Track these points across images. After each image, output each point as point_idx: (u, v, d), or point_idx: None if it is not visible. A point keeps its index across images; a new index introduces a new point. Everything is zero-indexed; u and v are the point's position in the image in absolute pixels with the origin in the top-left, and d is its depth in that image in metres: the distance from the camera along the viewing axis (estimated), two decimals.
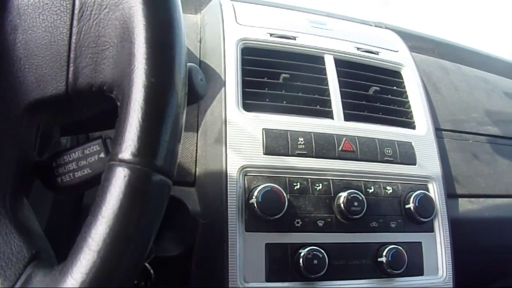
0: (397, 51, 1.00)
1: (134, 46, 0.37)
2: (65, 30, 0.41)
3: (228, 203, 0.72)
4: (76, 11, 0.41)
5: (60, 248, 0.43)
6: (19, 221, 0.40)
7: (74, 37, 0.41)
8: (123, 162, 0.35)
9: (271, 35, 0.87)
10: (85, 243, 0.34)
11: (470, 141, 1.06)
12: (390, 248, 0.78)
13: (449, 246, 0.85)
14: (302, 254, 0.72)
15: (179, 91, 0.37)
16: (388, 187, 0.82)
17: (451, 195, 0.94)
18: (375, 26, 1.14)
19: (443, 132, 1.02)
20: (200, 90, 0.58)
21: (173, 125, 0.37)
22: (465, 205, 0.97)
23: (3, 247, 0.38)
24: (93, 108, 0.50)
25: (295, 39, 0.89)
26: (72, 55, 0.41)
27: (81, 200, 0.74)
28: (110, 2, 0.40)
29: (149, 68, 0.36)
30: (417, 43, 1.20)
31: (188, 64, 0.52)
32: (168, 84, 0.37)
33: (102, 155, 0.45)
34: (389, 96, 0.93)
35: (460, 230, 0.90)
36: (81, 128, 0.63)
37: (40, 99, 0.41)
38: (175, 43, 0.38)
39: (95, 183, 0.44)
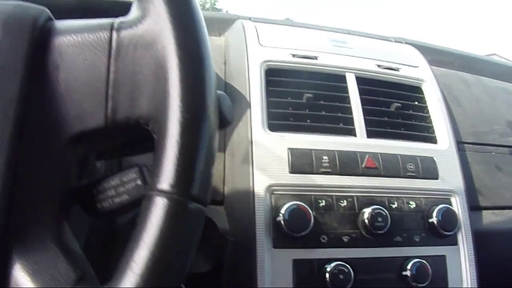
0: (417, 67, 1.02)
1: (168, 84, 0.40)
2: (103, 68, 0.44)
3: (256, 221, 0.74)
4: (113, 51, 0.44)
5: (96, 267, 0.46)
6: (63, 244, 0.43)
7: (112, 75, 0.43)
8: (162, 192, 0.38)
9: (293, 55, 0.90)
10: (128, 267, 0.37)
11: (493, 153, 1.06)
12: (414, 262, 0.79)
13: (473, 258, 0.86)
14: (328, 269, 0.74)
15: (210, 124, 0.41)
16: (411, 202, 0.84)
17: (474, 208, 0.95)
18: (395, 41, 1.15)
19: (465, 145, 1.03)
20: (228, 116, 0.61)
21: (206, 157, 0.40)
22: (489, 217, 0.98)
23: (52, 270, 0.40)
24: (129, 138, 0.53)
25: (317, 59, 0.91)
26: (110, 92, 0.43)
27: (114, 220, 0.78)
28: (144, 42, 0.43)
29: (183, 105, 0.39)
30: (437, 57, 1.21)
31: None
32: (201, 120, 0.40)
33: (138, 182, 0.48)
34: (411, 112, 0.95)
35: (484, 242, 0.90)
36: (114, 153, 0.66)
37: (81, 132, 0.44)
38: (206, 80, 0.41)
39: (133, 208, 0.47)
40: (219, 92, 0.61)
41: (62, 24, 0.47)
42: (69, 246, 0.44)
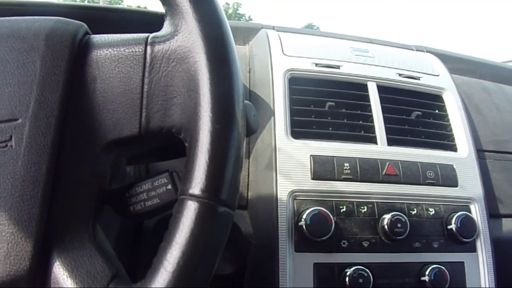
0: (438, 75, 1.03)
1: (199, 96, 0.43)
2: (138, 80, 0.46)
3: (279, 225, 0.77)
4: (147, 64, 0.47)
5: (127, 264, 0.49)
6: (98, 244, 0.46)
7: (146, 86, 0.46)
8: (193, 196, 0.41)
9: (316, 65, 0.93)
10: (162, 265, 0.40)
11: None
12: (433, 268, 0.81)
13: (491, 265, 0.87)
14: (348, 273, 0.76)
15: (239, 134, 0.44)
16: (430, 209, 0.85)
17: (493, 215, 0.96)
18: (416, 50, 1.17)
19: (485, 153, 1.04)
20: (254, 125, 0.63)
21: (234, 164, 0.43)
22: (509, 225, 0.99)
23: (89, 267, 0.44)
24: (159, 145, 0.57)
25: (339, 68, 0.94)
26: (144, 102, 0.46)
27: (142, 221, 0.81)
28: (177, 56, 0.46)
29: (213, 116, 0.42)
30: (458, 65, 1.22)
31: None
32: (230, 130, 0.43)
33: (169, 186, 0.51)
34: (431, 120, 0.97)
35: (504, 249, 0.91)
36: (144, 159, 0.70)
37: (117, 139, 0.47)
38: (234, 93, 0.44)
39: (163, 211, 0.51)
40: (245, 102, 0.63)
41: (99, 38, 0.50)
42: (103, 245, 0.47)
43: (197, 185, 0.41)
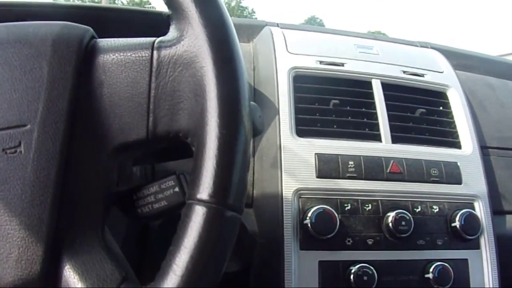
0: (442, 72, 1.03)
1: (206, 101, 0.43)
2: (145, 85, 0.47)
3: (284, 224, 0.77)
4: (154, 69, 0.47)
5: (133, 264, 0.50)
6: (107, 247, 0.47)
7: (152, 91, 0.46)
8: (201, 201, 0.42)
9: (320, 62, 0.93)
10: (171, 269, 0.41)
11: None
12: (437, 265, 0.81)
13: (495, 262, 0.87)
14: (353, 271, 0.77)
15: (245, 138, 0.44)
16: (434, 206, 0.86)
17: (497, 212, 0.96)
18: (421, 46, 1.17)
19: (489, 149, 1.04)
20: (259, 126, 0.64)
21: (241, 168, 0.43)
22: None
23: (99, 270, 0.44)
24: (167, 147, 0.57)
25: (343, 66, 0.94)
26: (151, 107, 0.46)
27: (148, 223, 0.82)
28: (183, 61, 0.46)
29: (220, 121, 0.42)
30: (462, 61, 1.21)
31: None
32: (236, 135, 0.43)
33: (176, 189, 0.52)
34: (435, 117, 0.97)
35: (507, 246, 0.92)
36: (150, 160, 0.70)
37: (124, 143, 0.47)
38: (241, 97, 0.45)
39: (170, 213, 0.51)
40: (251, 103, 0.64)
41: (105, 42, 0.50)
42: (112, 247, 0.48)
43: (205, 190, 0.41)
